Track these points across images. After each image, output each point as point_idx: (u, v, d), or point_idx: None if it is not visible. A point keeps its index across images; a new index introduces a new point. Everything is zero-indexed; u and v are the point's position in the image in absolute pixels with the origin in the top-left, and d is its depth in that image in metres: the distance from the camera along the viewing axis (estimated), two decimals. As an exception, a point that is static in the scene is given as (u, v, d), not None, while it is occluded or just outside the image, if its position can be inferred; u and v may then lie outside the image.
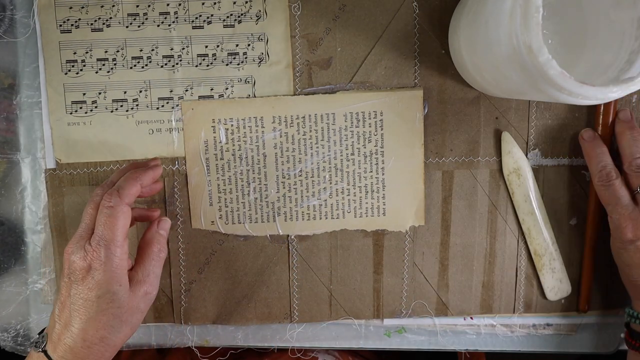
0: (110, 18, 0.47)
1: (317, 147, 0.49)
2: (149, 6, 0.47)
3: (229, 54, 0.48)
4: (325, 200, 0.49)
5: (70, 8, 0.47)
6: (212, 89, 0.48)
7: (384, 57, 0.48)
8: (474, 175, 0.50)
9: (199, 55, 0.48)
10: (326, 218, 0.50)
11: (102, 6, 0.47)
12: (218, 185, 0.49)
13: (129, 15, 0.47)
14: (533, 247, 0.50)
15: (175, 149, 0.49)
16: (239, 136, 0.48)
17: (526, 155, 0.49)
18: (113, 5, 0.47)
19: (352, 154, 0.49)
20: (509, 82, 0.39)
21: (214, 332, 0.52)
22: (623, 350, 0.52)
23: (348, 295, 0.51)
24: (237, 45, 0.48)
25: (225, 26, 0.48)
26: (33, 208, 0.50)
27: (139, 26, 0.48)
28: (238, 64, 0.48)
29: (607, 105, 0.48)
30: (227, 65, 0.48)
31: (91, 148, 0.49)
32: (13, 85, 0.48)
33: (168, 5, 0.47)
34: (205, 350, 0.52)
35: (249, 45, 0.48)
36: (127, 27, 0.47)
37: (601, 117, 0.48)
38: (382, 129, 0.48)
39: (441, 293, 0.51)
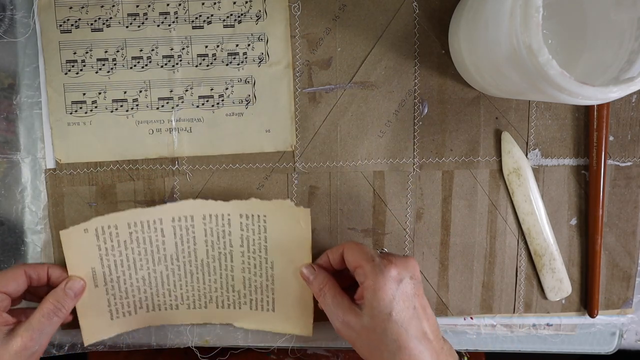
0: (110, 18, 0.47)
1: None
2: (149, 6, 0.47)
3: (229, 54, 0.48)
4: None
5: (70, 8, 0.47)
6: (212, 89, 0.48)
7: (384, 57, 0.48)
8: (474, 175, 0.50)
9: (199, 55, 0.48)
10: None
11: (102, 6, 0.47)
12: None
13: (129, 15, 0.47)
14: (533, 247, 0.50)
15: (175, 149, 0.49)
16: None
17: (526, 155, 0.49)
18: (113, 5, 0.47)
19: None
20: (509, 82, 0.39)
21: (214, 332, 0.52)
22: (623, 350, 0.52)
23: (348, 296, 0.51)
24: (237, 45, 0.48)
25: (225, 26, 0.48)
26: (33, 208, 0.50)
27: (139, 26, 0.48)
28: (238, 64, 0.48)
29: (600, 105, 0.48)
30: (227, 65, 0.48)
31: (91, 148, 0.49)
32: (13, 85, 0.48)
33: (168, 5, 0.47)
34: (205, 350, 0.52)
35: (249, 45, 0.48)
36: (127, 27, 0.47)
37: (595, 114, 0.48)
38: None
39: (441, 293, 0.51)
